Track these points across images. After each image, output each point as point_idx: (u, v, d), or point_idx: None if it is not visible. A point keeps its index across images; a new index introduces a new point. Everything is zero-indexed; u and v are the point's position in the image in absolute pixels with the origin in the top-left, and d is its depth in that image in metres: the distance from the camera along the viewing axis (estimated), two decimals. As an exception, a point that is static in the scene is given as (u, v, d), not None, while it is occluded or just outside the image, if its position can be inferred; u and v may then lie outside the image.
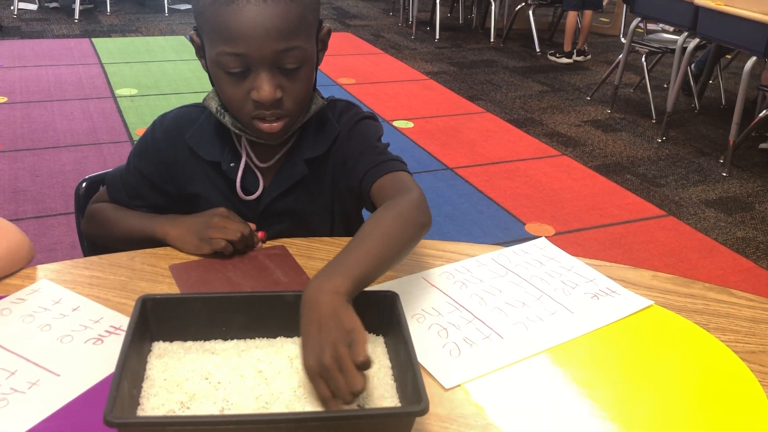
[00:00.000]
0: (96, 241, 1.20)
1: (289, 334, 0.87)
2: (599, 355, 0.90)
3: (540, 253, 1.13)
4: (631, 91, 4.84)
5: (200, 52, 1.04)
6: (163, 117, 1.17)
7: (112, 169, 1.21)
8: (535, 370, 0.86)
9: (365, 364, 0.72)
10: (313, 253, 1.09)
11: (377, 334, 0.88)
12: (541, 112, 4.38)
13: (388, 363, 0.83)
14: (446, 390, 0.82)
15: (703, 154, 3.86)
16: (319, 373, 0.72)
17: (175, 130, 1.14)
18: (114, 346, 0.83)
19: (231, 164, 1.11)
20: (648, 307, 1.00)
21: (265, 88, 0.97)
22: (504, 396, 0.82)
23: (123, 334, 0.77)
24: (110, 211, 1.16)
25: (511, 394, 0.82)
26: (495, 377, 0.85)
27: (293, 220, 1.16)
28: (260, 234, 1.10)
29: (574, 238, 2.82)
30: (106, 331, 0.87)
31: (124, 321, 0.89)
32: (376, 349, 0.85)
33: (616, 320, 0.97)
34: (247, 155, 1.12)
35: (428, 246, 1.13)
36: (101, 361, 0.82)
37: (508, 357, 0.88)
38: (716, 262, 2.75)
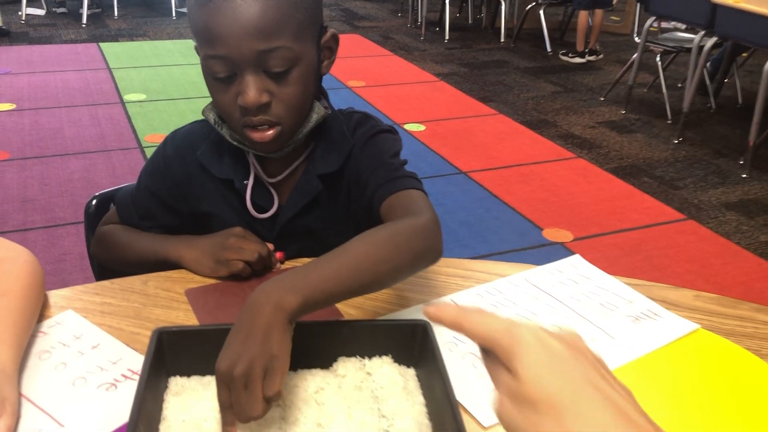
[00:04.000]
0: (106, 264, 1.15)
1: (310, 365, 0.81)
2: (645, 385, 0.84)
3: (574, 272, 1.07)
4: (645, 91, 4.77)
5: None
6: (174, 134, 1.12)
7: (122, 188, 1.16)
8: (578, 403, 0.80)
9: (274, 398, 0.69)
10: (335, 275, 1.03)
11: (408, 366, 0.83)
12: (554, 114, 4.31)
13: (422, 399, 0.78)
14: (485, 428, 0.76)
15: (722, 154, 3.78)
16: (226, 382, 0.69)
17: (186, 147, 1.08)
18: (128, 393, 0.77)
19: (244, 182, 1.06)
20: (694, 331, 0.93)
21: (248, 92, 0.90)
22: (547, 434, 0.76)
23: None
24: (120, 234, 1.11)
25: (555, 431, 0.76)
26: (535, 412, 0.79)
27: (311, 239, 1.10)
28: (278, 254, 1.05)
29: (593, 244, 2.75)
30: (123, 375, 0.81)
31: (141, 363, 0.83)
32: (409, 384, 0.80)
33: (660, 346, 0.90)
34: (255, 170, 1.06)
35: (455, 265, 1.07)
36: (111, 411, 0.76)
37: (549, 389, 0.82)
38: (740, 267, 2.68)
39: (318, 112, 1.01)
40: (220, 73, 0.92)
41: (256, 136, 0.95)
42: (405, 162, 1.06)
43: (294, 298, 0.73)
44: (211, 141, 1.07)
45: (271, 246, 1.03)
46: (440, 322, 0.55)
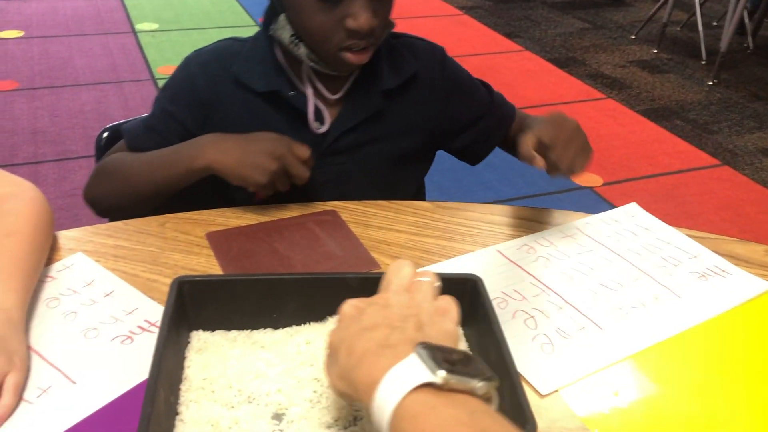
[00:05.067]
0: (106, 206, 1.02)
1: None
2: (716, 349, 0.76)
3: (632, 222, 0.97)
4: (679, 29, 4.55)
5: None
6: (197, 52, 1.02)
7: (130, 120, 1.06)
8: (642, 370, 0.72)
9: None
10: (369, 220, 0.94)
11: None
12: (583, 51, 4.13)
13: (472, 363, 0.69)
14: (542, 397, 0.68)
15: (759, 98, 3.61)
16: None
17: (216, 65, 1.00)
18: (145, 348, 0.70)
19: (291, 93, 0.98)
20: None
21: (364, 14, 0.87)
22: (608, 405, 0.68)
23: (157, 332, 0.63)
24: (124, 157, 1.00)
25: (617, 402, 0.68)
26: (595, 380, 0.70)
27: (356, 160, 1.03)
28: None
29: (623, 189, 2.64)
30: (139, 326, 0.73)
31: (161, 314, 0.75)
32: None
33: (731, 307, 0.81)
34: (313, 86, 0.98)
35: (499, 212, 0.98)
36: (127, 368, 0.68)
37: (611, 354, 0.73)
38: (777, 216, 2.57)
39: (389, 26, 0.98)
40: None
41: (354, 58, 0.92)
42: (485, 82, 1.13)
43: None
44: (245, 57, 0.99)
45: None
46: None
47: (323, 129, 0.99)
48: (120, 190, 0.99)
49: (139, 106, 3.04)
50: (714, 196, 2.68)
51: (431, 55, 1.07)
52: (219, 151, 0.92)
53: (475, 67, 3.67)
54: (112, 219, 0.96)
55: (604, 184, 2.65)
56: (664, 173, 2.81)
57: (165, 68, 3.40)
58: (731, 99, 3.59)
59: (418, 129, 1.07)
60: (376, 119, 1.02)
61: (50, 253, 0.83)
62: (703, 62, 3.99)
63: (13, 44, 3.62)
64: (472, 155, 1.15)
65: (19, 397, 0.64)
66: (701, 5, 4.10)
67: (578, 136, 0.89)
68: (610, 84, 3.68)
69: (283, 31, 0.94)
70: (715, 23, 4.58)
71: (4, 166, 0.86)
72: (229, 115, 0.99)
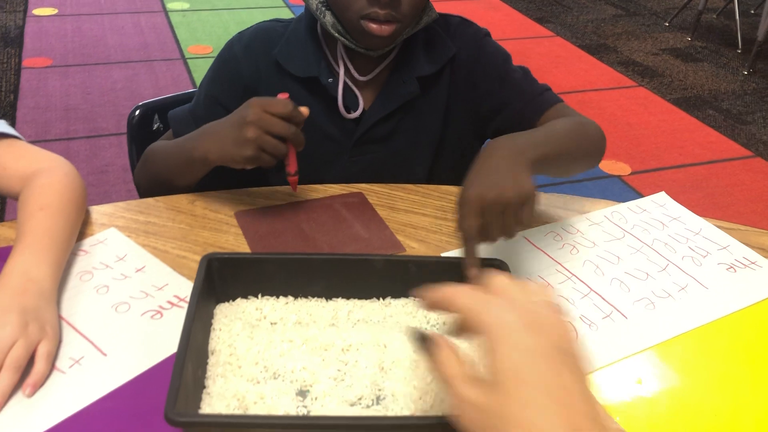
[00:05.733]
0: (147, 191, 1.01)
1: (374, 298, 0.74)
2: (742, 343, 0.75)
3: (660, 212, 0.96)
4: (715, 17, 4.46)
5: None
6: (240, 34, 1.02)
7: (177, 108, 1.05)
8: (666, 360, 0.72)
9: (525, 225, 0.73)
10: (396, 203, 0.95)
11: (479, 309, 0.75)
12: (615, 38, 4.07)
13: (495, 347, 0.70)
14: (565, 383, 0.68)
15: (794, 89, 3.54)
16: (478, 206, 0.70)
17: (259, 46, 0.99)
18: (174, 323, 0.71)
19: (329, 80, 0.97)
20: (798, 285, 0.83)
21: None
22: (632, 394, 0.68)
23: (186, 307, 0.64)
24: (161, 145, 0.99)
25: (640, 391, 0.68)
26: (619, 368, 0.70)
27: (390, 149, 1.02)
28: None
29: (651, 179, 2.61)
30: (168, 302, 0.74)
31: (190, 290, 0.76)
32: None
33: (761, 299, 0.81)
34: (345, 67, 0.98)
35: (527, 198, 0.98)
36: (156, 341, 0.70)
37: (635, 343, 0.73)
38: (809, 210, 2.52)
39: (429, 14, 0.97)
40: None
41: (375, 28, 0.89)
42: (526, 68, 1.05)
43: (531, 150, 0.76)
44: (286, 40, 0.99)
45: (285, 95, 0.85)
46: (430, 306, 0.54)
47: (355, 114, 0.99)
48: (155, 177, 0.98)
49: (169, 84, 3.07)
50: (745, 187, 2.64)
51: (469, 35, 1.03)
52: (210, 140, 0.86)
53: (504, 52, 3.64)
54: None
55: (632, 173, 2.63)
56: (694, 164, 2.77)
57: (195, 47, 3.42)
58: (767, 89, 3.51)
59: (458, 115, 1.04)
60: (412, 107, 1.01)
61: (83, 227, 0.85)
62: (739, 51, 3.92)
63: (47, 22, 3.66)
64: None
65: (51, 366, 0.65)
66: (739, -7, 4.01)
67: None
68: (641, 72, 3.63)
69: None
70: (752, 11, 4.48)
71: (37, 142, 0.88)
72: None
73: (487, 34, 1.05)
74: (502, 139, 0.78)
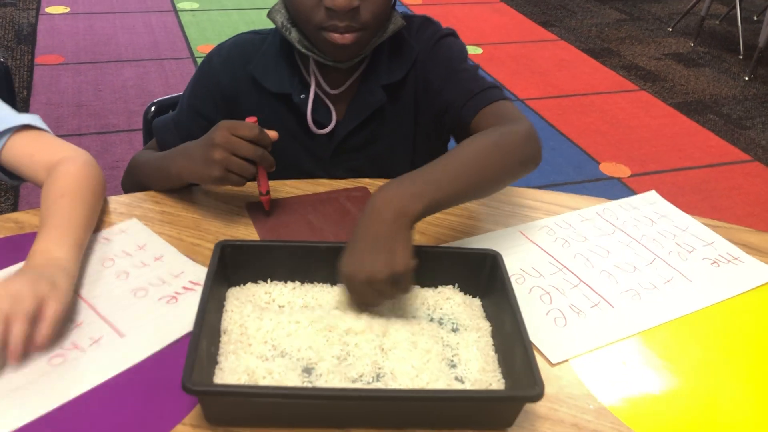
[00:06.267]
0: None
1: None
2: (722, 332, 0.80)
3: (650, 209, 1.01)
4: (717, 23, 4.50)
5: None
6: (219, 47, 1.05)
7: (162, 117, 1.08)
8: (650, 346, 0.77)
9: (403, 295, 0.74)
10: (398, 197, 0.99)
11: (474, 296, 0.80)
12: (618, 42, 4.11)
13: (489, 329, 0.75)
14: (552, 365, 0.73)
15: (795, 95, 3.57)
16: (350, 286, 0.72)
17: (237, 59, 1.02)
18: (189, 307, 0.76)
19: (301, 96, 1.00)
20: (777, 279, 0.88)
21: None
22: (615, 376, 0.72)
23: (200, 291, 0.69)
24: (145, 155, 1.02)
25: (624, 374, 0.73)
26: (605, 353, 0.75)
27: (369, 156, 1.05)
28: (273, 134, 0.89)
29: (650, 181, 2.65)
30: (184, 287, 0.80)
31: (204, 276, 0.80)
32: (475, 314, 0.77)
33: (740, 292, 0.85)
34: (317, 82, 1.00)
35: (525, 195, 1.03)
36: (171, 323, 0.75)
37: (621, 330, 0.78)
38: (806, 214, 2.56)
39: (395, 22, 0.97)
40: None
41: (336, 37, 0.90)
42: (477, 67, 1.02)
43: (416, 204, 0.73)
44: (262, 54, 1.01)
45: (253, 119, 0.88)
46: None
47: (327, 129, 1.01)
48: (139, 186, 1.00)
49: (178, 83, 3.12)
50: (743, 191, 2.68)
51: (427, 34, 1.03)
52: (183, 158, 0.90)
53: (509, 55, 3.69)
54: None
55: (631, 176, 2.67)
56: (693, 167, 2.81)
57: (204, 47, 3.48)
58: (767, 95, 3.55)
59: (424, 116, 1.05)
60: (383, 114, 1.02)
61: (104, 216, 0.90)
62: (741, 57, 3.95)
63: (59, 20, 3.72)
64: (458, 136, 1.06)
65: (54, 329, 0.68)
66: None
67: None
68: (644, 76, 3.67)
69: (278, 14, 0.97)
70: (755, 17, 4.51)
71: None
72: (248, 111, 0.98)
73: (449, 34, 1.04)
74: (385, 192, 0.74)
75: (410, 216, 0.73)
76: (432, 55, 1.02)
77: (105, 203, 0.92)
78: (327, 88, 1.01)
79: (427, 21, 1.05)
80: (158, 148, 1.05)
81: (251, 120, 0.87)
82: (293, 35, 0.95)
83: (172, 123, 1.04)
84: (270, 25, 1.02)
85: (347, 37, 0.90)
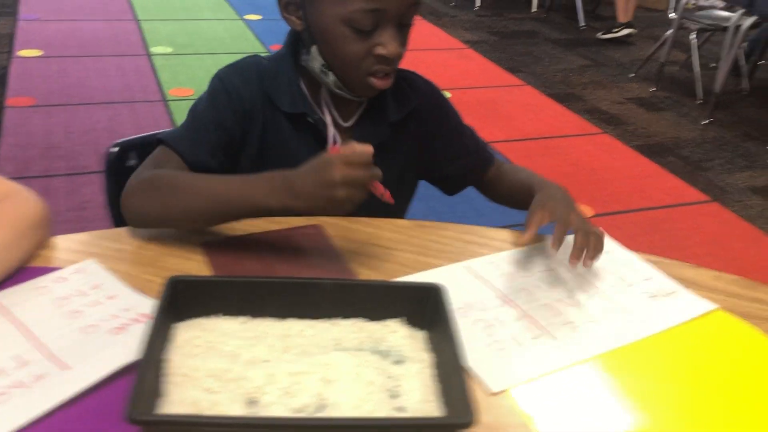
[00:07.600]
0: (146, 216, 0.97)
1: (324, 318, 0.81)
2: (658, 362, 0.83)
3: (593, 246, 1.05)
4: (677, 69, 4.66)
5: (294, 11, 1.02)
6: (230, 67, 1.09)
7: (165, 131, 1.07)
8: (587, 376, 0.80)
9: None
10: (352, 235, 1.03)
11: (420, 329, 0.82)
12: (582, 87, 4.24)
13: (430, 362, 0.77)
14: (491, 394, 0.76)
15: (751, 138, 3.71)
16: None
17: (254, 76, 1.08)
18: (136, 337, 0.77)
19: (314, 117, 1.08)
20: (711, 311, 0.92)
21: (393, 44, 0.98)
22: (553, 405, 0.75)
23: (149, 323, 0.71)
24: (180, 176, 0.97)
25: (561, 402, 0.76)
26: (544, 382, 0.78)
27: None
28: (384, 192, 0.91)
29: (613, 221, 2.72)
30: (132, 319, 0.81)
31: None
32: (419, 346, 0.80)
33: (676, 324, 0.89)
34: (330, 113, 1.09)
35: (473, 232, 1.07)
36: (118, 352, 0.76)
37: (560, 361, 0.81)
38: (762, 252, 2.64)
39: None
40: (367, 26, 0.97)
41: (380, 83, 1.02)
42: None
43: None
44: (275, 74, 1.08)
45: (369, 148, 0.85)
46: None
47: None
48: (171, 209, 0.94)
49: (150, 125, 3.15)
50: (701, 231, 2.75)
51: (428, 90, 1.18)
52: (290, 194, 0.87)
53: (477, 99, 3.79)
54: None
55: (594, 216, 2.74)
56: (654, 207, 2.90)
57: (177, 90, 3.53)
58: (724, 138, 3.68)
59: (415, 160, 1.17)
60: (382, 149, 1.04)
61: (59, 254, 0.92)
62: (700, 102, 4.10)
63: (32, 62, 3.76)
64: (448, 186, 1.27)
65: None
66: (699, 47, 4.22)
67: (586, 222, 1.00)
68: (607, 119, 3.78)
69: (315, 61, 1.04)
70: (713, 65, 4.69)
71: (18, 178, 0.95)
72: (261, 129, 1.07)
73: (440, 91, 1.21)
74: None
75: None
76: (436, 110, 1.18)
77: (64, 241, 0.94)
78: (340, 121, 1.10)
79: (420, 76, 1.19)
80: (187, 167, 1.01)
81: (357, 145, 0.85)
82: (330, 79, 1.04)
83: (193, 137, 1.02)
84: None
85: (388, 82, 1.03)
